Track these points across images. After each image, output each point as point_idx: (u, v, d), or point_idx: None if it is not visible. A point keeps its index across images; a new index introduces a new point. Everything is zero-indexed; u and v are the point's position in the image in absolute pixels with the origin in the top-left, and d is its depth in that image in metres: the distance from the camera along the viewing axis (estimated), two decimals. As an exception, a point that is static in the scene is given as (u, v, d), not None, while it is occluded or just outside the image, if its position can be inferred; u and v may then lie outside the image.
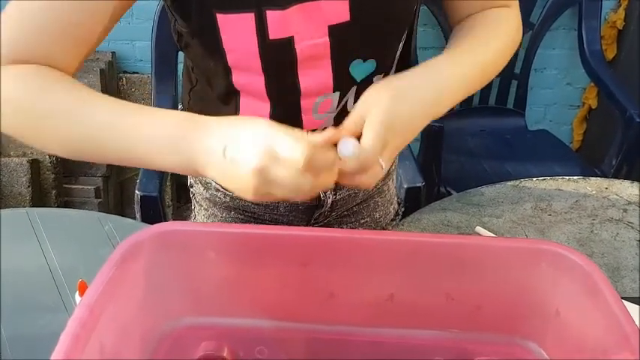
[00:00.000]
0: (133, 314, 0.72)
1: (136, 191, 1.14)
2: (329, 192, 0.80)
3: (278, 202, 0.80)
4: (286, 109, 0.66)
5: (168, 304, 0.77)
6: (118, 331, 0.68)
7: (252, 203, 0.80)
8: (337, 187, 0.80)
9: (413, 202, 1.36)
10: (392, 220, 0.93)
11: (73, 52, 0.58)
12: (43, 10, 0.54)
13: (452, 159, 1.84)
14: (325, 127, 0.70)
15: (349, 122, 0.58)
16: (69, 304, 0.85)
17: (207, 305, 0.78)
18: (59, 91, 0.56)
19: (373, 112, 0.56)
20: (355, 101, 0.62)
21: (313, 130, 0.69)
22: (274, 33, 0.58)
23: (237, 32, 0.60)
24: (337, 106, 0.68)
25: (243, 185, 0.52)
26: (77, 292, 0.78)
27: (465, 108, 2.03)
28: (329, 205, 0.81)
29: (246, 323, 0.78)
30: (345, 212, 0.86)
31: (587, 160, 1.93)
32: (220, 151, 0.52)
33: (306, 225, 0.84)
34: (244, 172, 0.51)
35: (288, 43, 0.59)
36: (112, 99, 0.56)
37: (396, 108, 0.56)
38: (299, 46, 0.60)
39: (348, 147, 0.56)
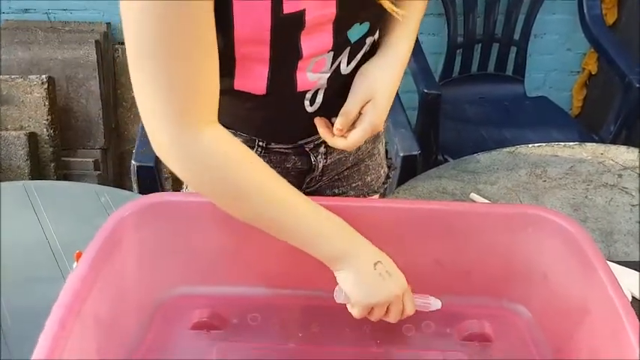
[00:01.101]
0: (127, 284, 0.73)
1: (132, 161, 1.14)
2: (320, 156, 0.80)
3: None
4: (282, 70, 0.67)
5: (162, 274, 0.78)
6: (113, 301, 0.69)
7: None
8: (328, 150, 0.80)
9: (409, 171, 1.36)
10: (383, 183, 0.94)
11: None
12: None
13: (450, 127, 1.84)
14: (318, 90, 0.71)
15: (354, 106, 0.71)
16: (67, 275, 0.86)
17: (200, 274, 0.79)
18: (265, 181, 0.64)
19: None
20: (348, 62, 0.71)
21: (305, 91, 0.70)
22: (288, 8, 0.59)
23: (251, 10, 0.60)
24: (331, 67, 0.68)
25: (374, 291, 0.66)
26: (75, 263, 0.79)
27: (464, 75, 2.02)
28: (320, 170, 0.82)
29: (239, 291, 0.80)
30: (337, 177, 0.86)
31: (587, 127, 1.92)
32: (372, 263, 0.66)
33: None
34: (392, 287, 0.66)
35: (299, 16, 0.61)
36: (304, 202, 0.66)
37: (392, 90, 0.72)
38: (308, 17, 0.61)
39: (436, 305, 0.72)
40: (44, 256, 0.89)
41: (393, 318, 0.68)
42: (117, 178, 1.94)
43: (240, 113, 0.74)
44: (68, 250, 0.89)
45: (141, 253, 0.73)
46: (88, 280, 0.62)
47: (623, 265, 0.91)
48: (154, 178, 1.11)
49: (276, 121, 0.75)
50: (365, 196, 0.91)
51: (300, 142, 0.79)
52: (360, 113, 0.71)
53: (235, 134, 0.76)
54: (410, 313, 0.69)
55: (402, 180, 1.15)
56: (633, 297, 0.87)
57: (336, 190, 0.88)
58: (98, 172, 1.83)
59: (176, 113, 0.57)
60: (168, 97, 0.56)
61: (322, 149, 0.80)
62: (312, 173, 0.82)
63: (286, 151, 0.79)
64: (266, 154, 0.79)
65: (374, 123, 0.70)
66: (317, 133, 0.74)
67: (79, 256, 0.72)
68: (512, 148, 1.19)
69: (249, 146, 0.77)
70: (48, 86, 1.73)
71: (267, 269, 0.78)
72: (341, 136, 0.71)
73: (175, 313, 0.78)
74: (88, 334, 0.63)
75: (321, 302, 0.79)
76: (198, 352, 0.73)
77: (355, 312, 0.68)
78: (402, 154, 1.39)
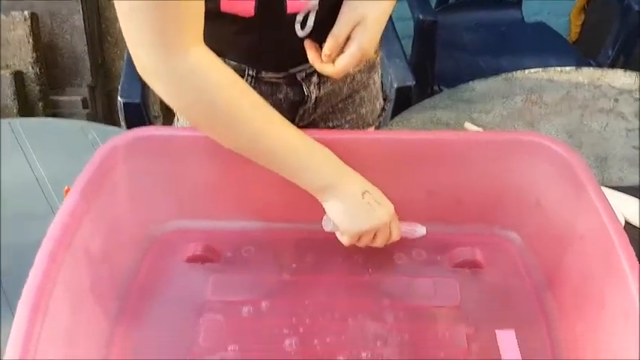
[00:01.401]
0: (118, 219, 0.73)
1: (119, 98, 1.12)
2: (313, 87, 0.78)
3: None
4: None
5: (154, 209, 0.77)
6: (104, 235, 0.69)
7: None
8: (321, 80, 0.78)
9: (404, 102, 1.34)
10: (378, 116, 0.92)
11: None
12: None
13: (446, 55, 1.79)
14: (309, 12, 0.68)
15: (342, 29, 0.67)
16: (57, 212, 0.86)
17: (193, 208, 0.79)
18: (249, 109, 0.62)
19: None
20: None
21: (295, 14, 0.67)
22: None
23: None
24: None
25: (363, 220, 0.66)
26: (64, 199, 0.78)
27: (460, 1, 1.96)
28: (313, 101, 0.80)
29: (232, 225, 0.80)
30: (330, 109, 0.84)
31: (585, 53, 1.88)
32: (360, 193, 0.66)
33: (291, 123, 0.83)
34: (380, 216, 0.66)
35: None
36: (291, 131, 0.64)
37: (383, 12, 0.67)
38: None
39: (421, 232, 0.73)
40: (33, 194, 0.88)
41: (379, 243, 0.70)
42: (106, 116, 1.91)
43: (228, 38, 0.71)
44: (57, 186, 0.88)
45: (131, 186, 0.73)
46: (77, 213, 0.62)
47: (617, 190, 0.91)
48: (141, 115, 1.09)
49: (265, 47, 0.73)
50: (360, 129, 0.90)
51: (291, 71, 0.76)
52: (349, 37, 0.68)
53: (224, 62, 0.74)
54: (396, 239, 0.70)
55: (397, 112, 1.13)
56: (627, 222, 0.87)
57: (330, 124, 0.87)
58: (87, 110, 1.80)
59: (161, 34, 0.55)
60: (152, 18, 0.55)
61: (315, 79, 0.78)
62: (305, 105, 0.80)
63: (277, 80, 0.77)
64: (256, 84, 0.77)
65: (363, 47, 0.67)
66: (308, 61, 0.72)
67: (67, 192, 0.71)
68: (508, 75, 1.16)
69: (240, 74, 0.75)
70: (31, 22, 1.68)
71: (260, 203, 0.78)
72: (330, 61, 0.69)
73: (169, 247, 0.78)
74: (80, 268, 0.63)
75: (314, 234, 0.79)
76: (194, 284, 0.74)
77: (345, 240, 0.69)
78: (396, 86, 1.36)
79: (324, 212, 0.69)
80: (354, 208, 0.66)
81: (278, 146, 0.64)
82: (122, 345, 0.67)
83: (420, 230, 0.73)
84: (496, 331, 0.69)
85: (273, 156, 0.64)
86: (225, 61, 0.74)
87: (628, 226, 0.87)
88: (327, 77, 0.78)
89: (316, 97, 0.80)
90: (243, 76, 0.76)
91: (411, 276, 0.74)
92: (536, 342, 0.68)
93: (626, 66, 1.17)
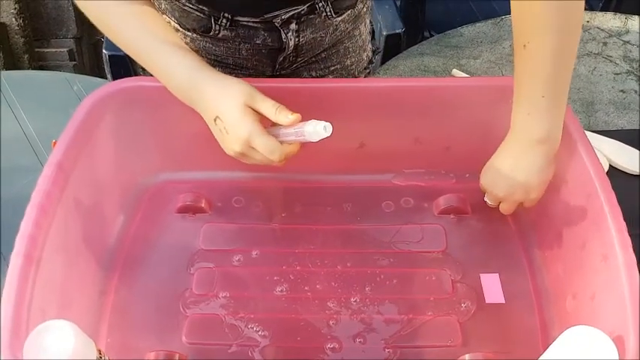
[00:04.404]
0: (107, 171, 0.73)
1: (104, 50, 1.11)
2: (292, 34, 0.77)
3: (240, 45, 0.78)
4: None
5: (143, 160, 0.78)
6: (94, 188, 0.70)
7: (214, 46, 0.78)
8: (300, 28, 0.77)
9: (393, 50, 1.32)
10: (365, 68, 0.91)
11: None
12: None
13: (436, 0, 1.76)
14: None
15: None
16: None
17: (182, 160, 0.79)
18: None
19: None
20: None
21: None
22: None
23: None
24: None
25: (225, 147, 0.63)
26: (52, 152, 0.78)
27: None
28: (292, 49, 0.79)
29: (222, 176, 0.80)
30: (313, 58, 0.83)
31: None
32: (212, 117, 0.62)
33: (272, 70, 0.82)
34: (229, 145, 0.61)
35: None
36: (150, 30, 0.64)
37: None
38: None
39: (317, 132, 0.58)
40: (21, 147, 0.88)
41: (259, 161, 0.62)
42: (93, 69, 1.89)
43: None
44: (44, 139, 0.88)
45: (118, 138, 0.73)
46: (66, 165, 0.62)
47: (602, 134, 0.91)
48: (127, 67, 1.08)
49: None
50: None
51: (267, 16, 0.75)
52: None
53: (198, 8, 0.73)
54: (269, 155, 0.60)
55: (385, 60, 1.12)
56: (611, 166, 0.88)
57: (314, 73, 0.86)
58: (74, 62, 1.78)
59: None
60: None
61: (293, 26, 0.76)
62: (284, 52, 0.79)
63: (254, 25, 0.76)
64: (233, 28, 0.75)
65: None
66: (286, 6, 0.70)
67: (55, 145, 0.71)
68: (497, 19, 1.15)
69: (215, 18, 0.74)
70: (11, -28, 1.63)
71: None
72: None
73: (159, 198, 0.79)
74: (71, 219, 0.64)
75: (303, 184, 0.80)
76: (185, 234, 0.75)
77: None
78: (385, 33, 1.34)
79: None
80: (212, 130, 0.63)
81: (136, 48, 0.64)
82: (116, 294, 0.69)
83: (314, 130, 0.57)
84: (480, 274, 0.71)
85: (139, 59, 0.65)
86: (198, 7, 0.73)
87: (612, 170, 0.88)
88: (307, 25, 0.77)
89: (296, 45, 0.79)
90: (218, 19, 0.74)
91: (399, 223, 0.75)
92: (520, 285, 0.70)
93: (618, 10, 1.15)
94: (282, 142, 0.60)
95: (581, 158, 0.64)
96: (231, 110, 0.60)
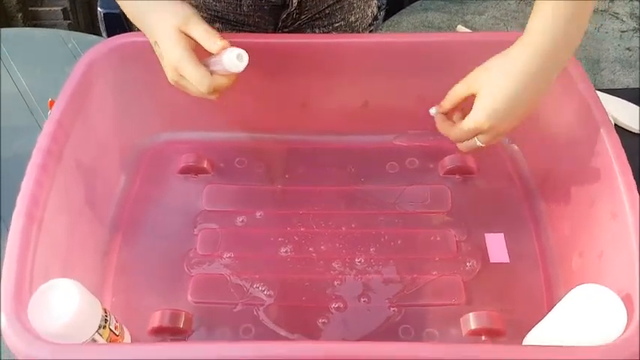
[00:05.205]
0: (107, 131, 0.72)
1: (99, 9, 1.08)
2: None
3: (241, 1, 0.76)
4: None
5: (143, 120, 0.76)
6: (94, 148, 0.69)
7: (214, 1, 0.76)
8: None
9: (396, 6, 1.29)
10: (369, 24, 0.89)
11: None
12: None
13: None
14: None
15: (456, 93, 0.60)
16: (43, 124, 0.85)
17: (183, 119, 0.78)
18: None
19: (482, 97, 0.57)
20: None
21: None
22: None
23: None
24: None
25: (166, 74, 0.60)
26: (49, 112, 0.77)
27: None
28: (295, 6, 0.77)
29: (223, 136, 0.79)
30: (317, 15, 0.81)
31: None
32: (153, 42, 0.60)
33: (274, 28, 0.80)
34: (165, 68, 0.59)
35: None
36: None
37: (511, 99, 0.56)
38: None
39: (232, 60, 0.55)
40: (17, 107, 0.86)
41: (192, 92, 0.60)
42: (88, 27, 1.85)
43: None
44: (40, 98, 0.86)
45: (117, 97, 0.71)
46: (65, 124, 0.61)
47: (607, 92, 0.90)
48: (122, 25, 1.05)
49: None
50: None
51: None
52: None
53: None
54: (195, 82, 0.57)
55: (388, 16, 1.10)
56: (616, 125, 0.87)
57: (317, 30, 0.84)
58: (68, 21, 1.73)
59: None
60: None
61: None
62: (288, 9, 0.77)
63: None
64: None
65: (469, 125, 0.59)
66: None
67: (52, 104, 0.69)
68: (502, -24, 1.12)
69: None
70: None
71: (248, 114, 0.77)
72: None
73: (161, 158, 0.77)
74: (72, 179, 0.63)
75: (305, 145, 0.79)
76: (188, 195, 0.74)
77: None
78: (387, -12, 1.31)
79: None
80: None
81: None
82: (119, 253, 0.69)
83: (228, 58, 0.55)
84: (485, 234, 0.70)
85: None
86: None
87: (617, 129, 0.87)
88: None
89: (299, 2, 0.77)
90: None
91: (403, 184, 0.75)
92: (525, 244, 0.69)
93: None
94: (212, 74, 0.57)
95: (591, 115, 0.62)
96: (165, 35, 0.57)
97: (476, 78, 0.59)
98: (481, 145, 0.60)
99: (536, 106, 0.58)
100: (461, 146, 0.62)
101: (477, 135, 0.60)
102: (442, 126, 0.63)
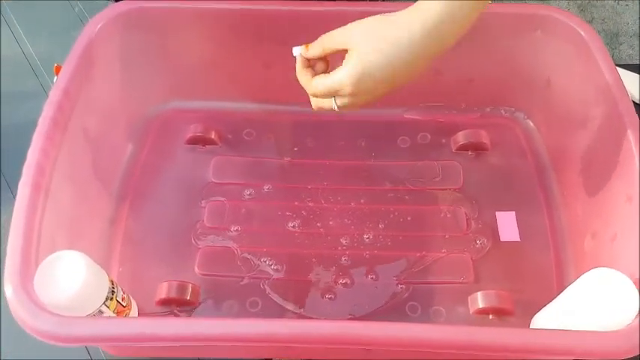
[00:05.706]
0: (114, 99, 0.70)
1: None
2: None
3: None
4: None
5: (150, 88, 0.75)
6: (101, 116, 0.67)
7: None
8: None
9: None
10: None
11: None
12: None
13: None
14: None
15: (331, 41, 0.52)
16: (49, 89, 0.83)
17: (191, 88, 0.76)
18: None
19: (354, 56, 0.50)
20: None
21: None
22: None
23: None
24: None
25: None
26: (55, 77, 0.75)
27: None
28: None
29: (232, 106, 0.77)
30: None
31: None
32: None
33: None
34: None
35: None
36: None
37: (382, 64, 0.49)
38: None
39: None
40: (24, 72, 0.85)
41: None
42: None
43: None
44: (47, 63, 0.85)
45: (124, 64, 0.70)
46: (71, 92, 0.60)
47: (625, 68, 0.88)
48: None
49: None
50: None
51: None
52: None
53: None
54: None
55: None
56: (634, 102, 0.85)
57: None
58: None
59: None
60: None
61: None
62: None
63: None
64: None
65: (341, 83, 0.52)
66: None
67: (58, 69, 0.68)
68: (521, -55, 1.09)
69: None
70: None
71: (258, 84, 0.75)
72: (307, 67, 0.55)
73: (168, 128, 0.76)
74: (79, 148, 0.62)
75: (315, 117, 0.77)
76: (195, 166, 0.73)
77: None
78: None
79: None
80: None
81: None
82: (126, 223, 0.68)
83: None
84: (496, 212, 0.69)
85: None
86: None
87: (637, 107, 0.85)
88: None
89: None
90: None
91: (415, 159, 0.73)
92: (536, 223, 0.68)
93: None
94: None
95: (609, 92, 0.60)
96: None
97: (353, 33, 0.51)
98: (336, 109, 0.53)
99: (402, 84, 0.52)
100: (314, 102, 0.55)
101: (334, 96, 0.53)
102: (301, 72, 0.55)
